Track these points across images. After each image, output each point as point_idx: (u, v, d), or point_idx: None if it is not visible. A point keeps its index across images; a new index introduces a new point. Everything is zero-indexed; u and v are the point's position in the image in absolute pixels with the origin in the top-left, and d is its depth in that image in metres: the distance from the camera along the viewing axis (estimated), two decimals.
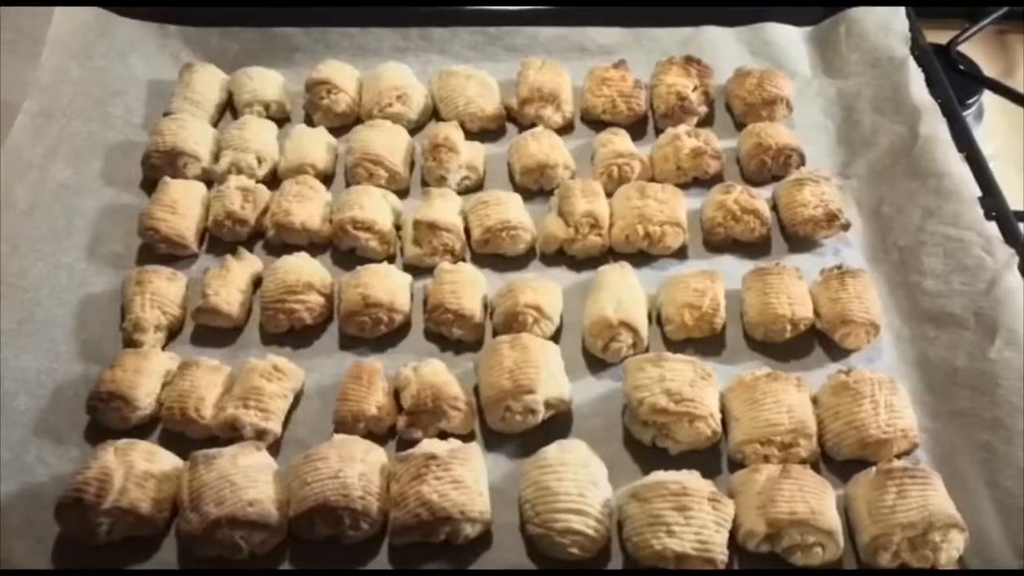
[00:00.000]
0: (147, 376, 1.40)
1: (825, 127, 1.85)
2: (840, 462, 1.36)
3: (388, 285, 1.51)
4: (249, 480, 1.27)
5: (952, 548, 1.22)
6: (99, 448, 1.31)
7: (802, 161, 1.73)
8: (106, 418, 1.39)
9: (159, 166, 1.71)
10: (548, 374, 1.38)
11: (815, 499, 1.24)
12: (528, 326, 1.47)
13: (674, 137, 1.72)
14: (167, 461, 1.33)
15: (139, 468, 1.29)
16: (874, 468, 1.28)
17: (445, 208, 1.62)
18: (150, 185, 1.72)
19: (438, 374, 1.41)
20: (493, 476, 1.34)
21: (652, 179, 1.73)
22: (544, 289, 1.51)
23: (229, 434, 1.36)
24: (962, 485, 1.32)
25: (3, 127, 1.70)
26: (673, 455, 1.36)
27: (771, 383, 1.36)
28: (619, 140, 1.74)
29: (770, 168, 1.73)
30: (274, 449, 1.38)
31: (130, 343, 1.48)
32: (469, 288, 1.51)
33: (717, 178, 1.74)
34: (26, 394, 1.43)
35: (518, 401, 1.35)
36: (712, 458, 1.37)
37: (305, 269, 1.53)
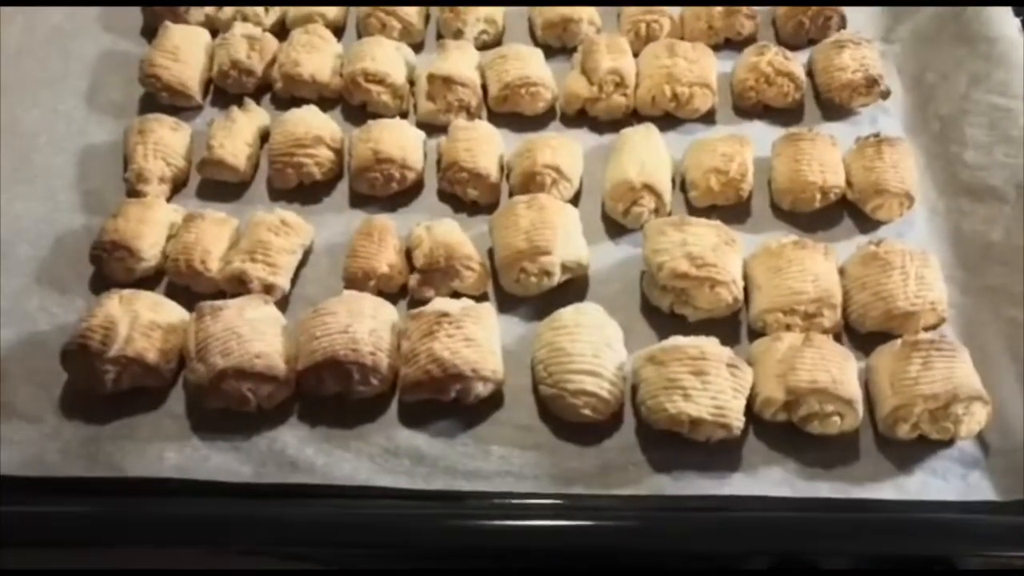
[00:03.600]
0: (151, 227, 1.36)
1: None
2: (864, 334, 1.32)
3: (401, 141, 1.44)
4: (256, 333, 1.24)
5: (974, 421, 1.19)
6: (103, 296, 1.28)
7: (843, 24, 1.63)
8: (110, 269, 1.35)
9: (159, 12, 1.61)
10: (565, 236, 1.33)
11: (836, 368, 1.20)
12: (547, 187, 1.41)
13: None
14: (173, 312, 1.30)
15: (145, 318, 1.26)
16: (899, 340, 1.24)
17: (461, 61, 1.53)
18: (150, 32, 1.64)
19: (452, 233, 1.36)
20: (506, 339, 1.31)
21: (682, 38, 1.63)
22: (564, 148, 1.44)
23: (236, 288, 1.33)
24: (987, 360, 1.27)
25: None
26: (691, 322, 1.33)
27: (798, 251, 1.31)
28: None
29: (808, 30, 1.63)
30: (281, 305, 1.35)
31: (133, 194, 1.43)
32: (485, 146, 1.45)
33: (750, 39, 1.64)
34: (26, 242, 1.40)
35: (534, 263, 1.31)
36: (731, 327, 1.33)
37: (314, 122, 1.46)
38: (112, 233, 1.34)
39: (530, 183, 1.41)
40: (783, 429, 1.23)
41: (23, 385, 1.27)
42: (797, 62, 1.55)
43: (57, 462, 1.21)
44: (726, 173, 1.40)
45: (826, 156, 1.42)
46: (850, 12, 1.65)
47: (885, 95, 1.53)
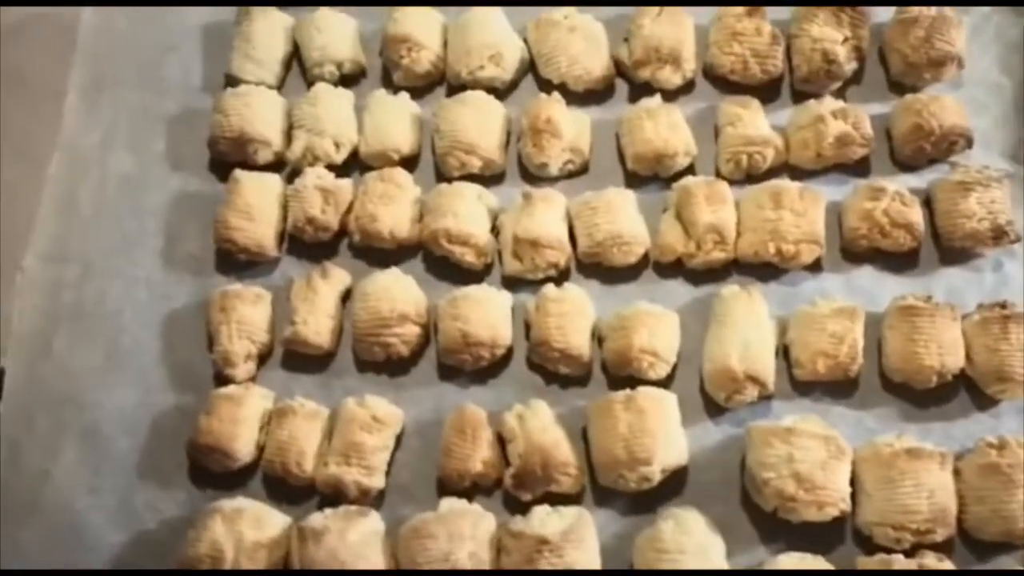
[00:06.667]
0: (244, 426, 1.35)
1: (1000, 87, 1.53)
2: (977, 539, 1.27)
3: (489, 318, 1.38)
4: (359, 557, 1.25)
5: None
6: (207, 516, 1.29)
7: (969, 144, 1.46)
8: (207, 464, 1.36)
9: (227, 151, 1.53)
10: (665, 440, 1.29)
11: None
12: (643, 371, 1.35)
13: (817, 119, 1.44)
14: (276, 524, 1.31)
15: (249, 539, 1.27)
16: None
17: (548, 217, 1.43)
18: (218, 166, 1.56)
19: (546, 431, 1.32)
20: (603, 536, 1.30)
21: (786, 163, 1.49)
22: (661, 327, 1.36)
23: (332, 492, 1.33)
24: None
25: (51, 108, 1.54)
26: (794, 523, 1.29)
27: (911, 462, 1.24)
28: (749, 117, 1.48)
29: (929, 153, 1.46)
30: (378, 499, 1.35)
31: (221, 378, 1.41)
32: (576, 320, 1.38)
33: (862, 161, 1.49)
34: (125, 434, 1.41)
35: (633, 471, 1.28)
36: (836, 528, 1.29)
37: (399, 296, 1.40)
38: (207, 436, 1.34)
39: (626, 365, 1.35)
40: None
41: None
42: (916, 206, 1.41)
43: None
44: (835, 357, 1.32)
45: (945, 335, 1.32)
46: (974, 119, 1.48)
47: (1014, 242, 1.40)
